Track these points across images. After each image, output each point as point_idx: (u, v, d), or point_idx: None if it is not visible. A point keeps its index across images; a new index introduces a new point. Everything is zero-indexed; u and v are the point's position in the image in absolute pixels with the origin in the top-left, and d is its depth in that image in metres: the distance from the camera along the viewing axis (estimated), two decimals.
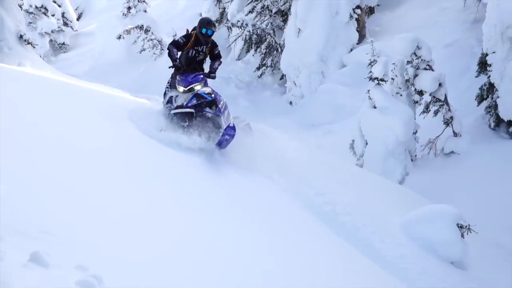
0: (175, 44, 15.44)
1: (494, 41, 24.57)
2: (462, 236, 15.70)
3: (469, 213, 16.62)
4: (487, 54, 25.04)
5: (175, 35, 37.00)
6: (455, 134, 24.20)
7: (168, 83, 15.65)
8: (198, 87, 14.80)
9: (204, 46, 15.48)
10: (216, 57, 15.69)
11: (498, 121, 25.16)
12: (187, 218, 10.78)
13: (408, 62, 24.20)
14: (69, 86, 17.08)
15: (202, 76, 15.05)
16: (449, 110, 24.20)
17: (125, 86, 24.61)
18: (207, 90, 14.88)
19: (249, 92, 34.83)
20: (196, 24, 15.46)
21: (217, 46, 15.67)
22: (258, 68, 36.55)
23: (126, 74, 36.70)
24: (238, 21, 36.36)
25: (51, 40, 44.56)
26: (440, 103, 24.15)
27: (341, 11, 33.00)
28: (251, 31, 36.39)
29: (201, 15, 39.36)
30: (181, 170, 13.20)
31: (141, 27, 38.52)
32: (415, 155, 23.99)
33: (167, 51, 15.50)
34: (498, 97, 24.78)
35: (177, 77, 15.10)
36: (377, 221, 15.60)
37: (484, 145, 24.10)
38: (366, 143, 23.52)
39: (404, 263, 14.42)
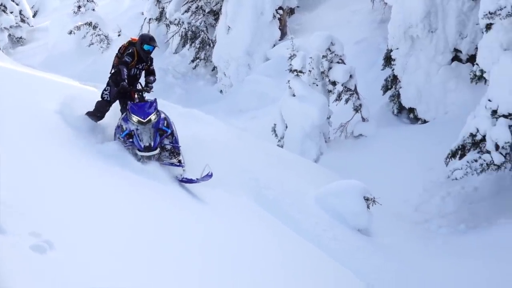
0: (125, 64, 13.18)
1: (397, 39, 24.86)
2: (368, 207, 15.96)
3: (374, 188, 16.85)
4: (391, 50, 25.34)
5: (120, 31, 37.07)
6: (363, 119, 24.46)
7: (107, 91, 13.49)
8: (154, 116, 12.85)
9: (144, 63, 13.58)
10: (151, 73, 13.74)
11: (401, 108, 25.58)
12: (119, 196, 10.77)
13: (323, 56, 24.32)
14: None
15: (155, 104, 13.09)
16: (358, 98, 24.43)
17: (75, 75, 24.42)
18: (162, 118, 13.07)
19: (184, 82, 34.94)
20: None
21: (153, 61, 13.88)
22: (193, 61, 36.74)
23: (76, 65, 36.44)
24: (176, 19, 36.55)
25: (9, 35, 44.59)
26: (351, 92, 24.36)
27: (265, 12, 33.34)
28: (187, 28, 36.55)
29: (143, 14, 39.49)
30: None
31: (89, 24, 38.18)
32: (329, 137, 24.18)
33: (118, 70, 13.28)
34: (400, 87, 25.19)
35: (130, 105, 12.97)
36: (295, 194, 15.75)
37: (388, 129, 24.41)
38: (286, 127, 23.65)
39: (318, 231, 14.62)
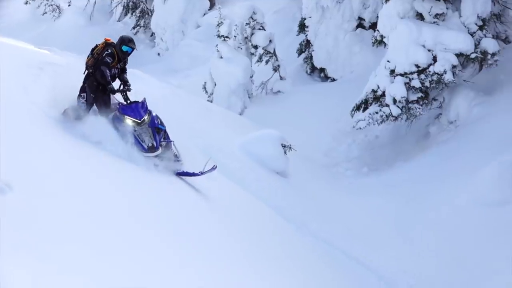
0: (107, 65, 11.09)
1: (310, 9, 24.98)
2: (285, 152, 15.91)
3: (290, 136, 16.78)
4: (305, 19, 25.50)
5: (70, 1, 36.82)
6: (281, 78, 24.42)
7: (83, 98, 11.07)
8: (147, 116, 10.90)
9: (122, 63, 11.49)
10: (125, 71, 11.75)
11: (313, 68, 25.77)
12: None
13: (247, 24, 24.13)
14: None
15: (146, 103, 11.13)
16: (277, 60, 24.35)
17: (30, 40, 23.66)
18: (155, 116, 11.14)
19: None
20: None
21: (127, 60, 11.76)
22: (134, 28, 36.99)
23: (32, 31, 36.09)
24: None
25: None
26: (270, 55, 24.25)
27: None
28: None
29: None
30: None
31: None
32: (251, 94, 24.07)
33: (100, 72, 11.04)
34: (313, 50, 25.39)
35: (120, 107, 11.03)
36: (222, 142, 15.60)
37: (302, 86, 24.57)
38: (215, 85, 23.54)
39: (242, 173, 14.50)
